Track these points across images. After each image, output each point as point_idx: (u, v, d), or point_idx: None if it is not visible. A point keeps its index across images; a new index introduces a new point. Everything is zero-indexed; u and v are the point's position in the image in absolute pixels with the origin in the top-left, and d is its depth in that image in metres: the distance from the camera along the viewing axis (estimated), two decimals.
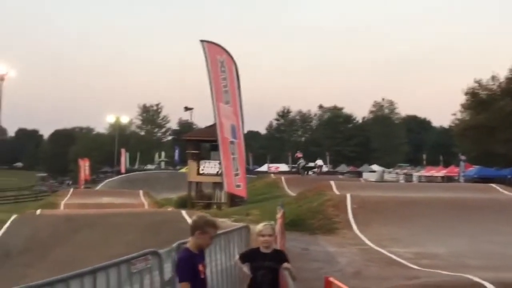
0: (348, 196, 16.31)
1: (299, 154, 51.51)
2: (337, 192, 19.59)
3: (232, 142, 10.03)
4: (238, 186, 10.30)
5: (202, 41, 9.86)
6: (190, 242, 3.63)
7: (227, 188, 10.18)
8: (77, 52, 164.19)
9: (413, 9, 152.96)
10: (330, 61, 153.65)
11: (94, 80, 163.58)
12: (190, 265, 3.47)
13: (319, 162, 58.46)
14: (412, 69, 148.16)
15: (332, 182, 22.14)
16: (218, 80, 10.03)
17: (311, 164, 64.74)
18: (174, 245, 4.34)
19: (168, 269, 4.19)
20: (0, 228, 13.45)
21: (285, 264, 4.40)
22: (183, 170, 66.10)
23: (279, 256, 4.47)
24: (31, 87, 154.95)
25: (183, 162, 79.59)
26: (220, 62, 9.69)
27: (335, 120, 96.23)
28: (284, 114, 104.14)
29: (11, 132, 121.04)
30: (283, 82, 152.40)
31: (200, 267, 3.54)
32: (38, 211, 21.69)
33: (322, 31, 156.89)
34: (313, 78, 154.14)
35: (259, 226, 4.49)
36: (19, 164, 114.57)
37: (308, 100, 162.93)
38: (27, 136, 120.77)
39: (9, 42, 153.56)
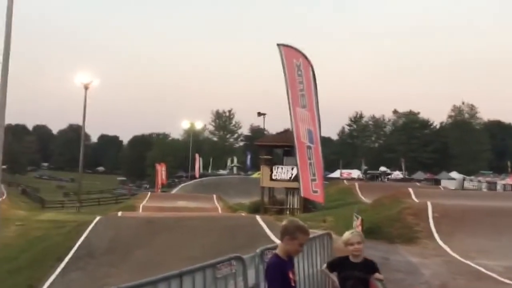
0: (429, 204, 15.58)
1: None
2: (416, 200, 18.83)
3: (308, 147, 9.84)
4: (315, 191, 10.09)
5: (278, 44, 9.81)
6: (279, 248, 3.48)
7: (303, 193, 9.98)
8: (153, 61, 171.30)
9: (493, 9, 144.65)
10: (404, 64, 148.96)
11: (169, 87, 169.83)
12: (280, 272, 3.34)
13: (382, 168, 56.76)
14: (495, 72, 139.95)
15: (411, 190, 21.34)
16: (294, 84, 9.93)
17: (382, 170, 62.92)
18: (258, 250, 4.24)
19: (252, 275, 4.10)
20: (86, 229, 14.14)
21: (377, 275, 4.16)
22: (255, 175, 66.70)
23: (370, 266, 4.23)
24: (111, 95, 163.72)
25: (255, 167, 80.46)
26: (296, 66, 9.58)
27: (410, 126, 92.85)
28: (356, 119, 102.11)
29: (94, 138, 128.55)
30: (355, 86, 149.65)
31: (290, 275, 3.40)
32: (120, 213, 22.71)
33: (397, 34, 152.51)
34: (387, 82, 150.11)
35: (347, 235, 4.26)
36: (101, 168, 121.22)
37: (381, 105, 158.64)
38: (109, 142, 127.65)
39: (92, 50, 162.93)
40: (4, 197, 39.03)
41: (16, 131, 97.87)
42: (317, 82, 12.08)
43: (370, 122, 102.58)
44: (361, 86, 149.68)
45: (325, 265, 4.50)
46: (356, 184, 40.33)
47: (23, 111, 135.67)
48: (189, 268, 3.47)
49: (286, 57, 9.75)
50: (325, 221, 13.68)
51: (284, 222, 3.64)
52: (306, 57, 10.02)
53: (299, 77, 9.80)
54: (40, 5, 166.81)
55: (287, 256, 3.45)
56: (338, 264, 4.29)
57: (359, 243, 4.21)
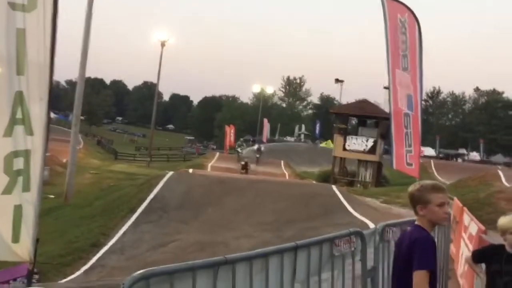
0: None
1: None
2: (507, 184, 17.30)
3: (406, 114, 8.84)
4: (409, 164, 9.12)
5: None
6: (418, 222, 2.64)
7: (395, 165, 9.08)
8: (228, 23, 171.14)
9: None
10: (490, 40, 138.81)
11: (243, 50, 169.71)
12: (433, 250, 2.52)
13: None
14: None
15: (500, 172, 19.66)
16: (396, 43, 8.88)
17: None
18: (379, 226, 3.46)
19: (371, 256, 3.34)
20: (159, 183, 14.02)
21: None
22: (323, 144, 65.47)
23: None
24: (185, 54, 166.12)
25: (323, 136, 78.96)
26: (401, 23, 8.54)
27: (493, 105, 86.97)
28: (433, 95, 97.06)
29: (166, 97, 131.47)
30: (434, 60, 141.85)
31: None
32: (191, 170, 22.75)
33: (483, 9, 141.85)
34: (469, 58, 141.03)
35: (505, 221, 3.35)
36: (171, 126, 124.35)
37: (461, 82, 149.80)
38: (179, 101, 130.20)
39: (170, 8, 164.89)
40: (81, 146, 40.79)
41: (94, 85, 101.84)
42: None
43: (448, 99, 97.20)
44: (440, 60, 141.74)
45: (469, 254, 3.65)
46: (432, 162, 38.30)
47: (102, 65, 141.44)
48: (305, 242, 2.81)
49: (389, 11, 8.65)
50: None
51: (409, 190, 2.78)
52: (413, 13, 8.89)
53: (402, 35, 8.71)
54: None
55: (432, 229, 2.67)
56: (488, 254, 3.42)
57: None
